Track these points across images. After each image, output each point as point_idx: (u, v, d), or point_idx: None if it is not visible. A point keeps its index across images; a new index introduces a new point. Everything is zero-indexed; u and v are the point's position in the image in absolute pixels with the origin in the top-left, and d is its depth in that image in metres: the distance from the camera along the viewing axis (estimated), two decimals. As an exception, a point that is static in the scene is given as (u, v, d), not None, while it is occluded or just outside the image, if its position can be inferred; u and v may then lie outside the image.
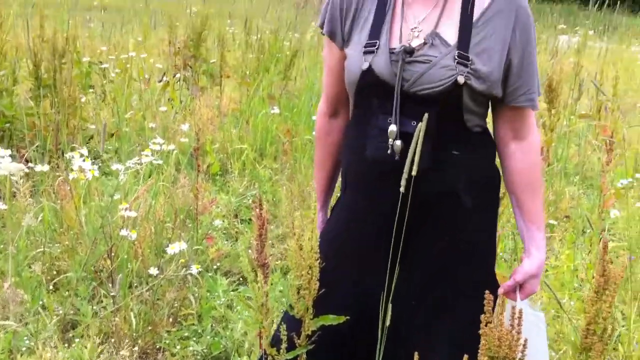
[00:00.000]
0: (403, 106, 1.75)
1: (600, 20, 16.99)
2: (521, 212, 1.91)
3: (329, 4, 1.91)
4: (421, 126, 1.63)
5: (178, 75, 6.24)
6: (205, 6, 10.58)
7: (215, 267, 3.73)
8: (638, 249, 3.85)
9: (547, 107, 5.33)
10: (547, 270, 3.54)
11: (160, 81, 6.19)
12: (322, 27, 1.95)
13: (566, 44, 11.96)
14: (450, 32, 1.77)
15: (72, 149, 3.63)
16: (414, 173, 1.66)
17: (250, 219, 4.44)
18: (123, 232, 3.03)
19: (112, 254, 3.10)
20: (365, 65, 1.79)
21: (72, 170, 3.10)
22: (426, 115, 1.66)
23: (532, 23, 1.81)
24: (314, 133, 5.13)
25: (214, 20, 8.63)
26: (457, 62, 1.73)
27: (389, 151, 1.76)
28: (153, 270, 3.07)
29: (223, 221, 4.23)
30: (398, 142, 1.75)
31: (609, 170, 4.03)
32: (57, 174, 3.75)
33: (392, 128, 1.75)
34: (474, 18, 1.77)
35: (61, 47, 4.62)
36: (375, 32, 1.81)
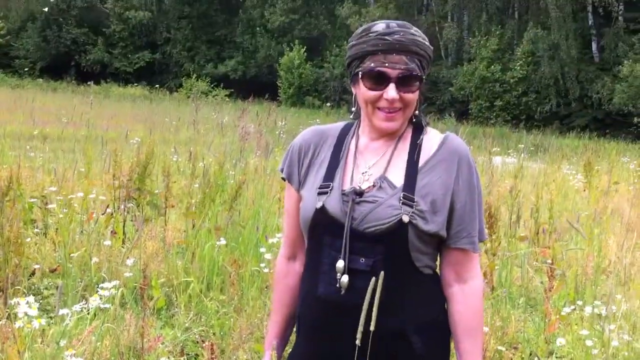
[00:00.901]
0: (352, 244, 1.84)
1: (531, 141, 17.78)
2: (459, 353, 1.95)
3: (290, 150, 2.06)
4: (374, 282, 1.67)
5: (122, 207, 6.22)
6: (149, 135, 10.71)
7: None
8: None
9: (487, 232, 5.48)
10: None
11: (103, 213, 6.15)
12: (282, 170, 2.08)
13: (500, 165, 12.44)
14: (397, 176, 1.90)
15: (14, 292, 3.54)
16: (372, 328, 1.69)
17: (197, 355, 4.35)
18: (67, 379, 2.93)
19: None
20: (319, 204, 1.90)
21: (16, 316, 3.01)
22: (382, 273, 1.74)
23: (474, 172, 1.93)
24: (261, 265, 5.14)
25: (158, 148, 8.74)
26: (402, 203, 1.84)
27: (337, 285, 1.83)
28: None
29: (169, 359, 4.12)
30: (345, 278, 1.83)
31: (551, 295, 4.13)
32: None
33: (340, 264, 1.84)
34: (419, 165, 1.90)
35: (4, 186, 4.58)
36: (329, 176, 1.94)
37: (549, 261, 4.19)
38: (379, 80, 1.87)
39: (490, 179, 8.87)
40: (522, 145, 16.14)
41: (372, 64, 1.87)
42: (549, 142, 19.06)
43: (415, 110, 1.95)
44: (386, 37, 1.86)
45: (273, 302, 2.17)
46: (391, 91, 1.86)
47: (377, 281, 1.73)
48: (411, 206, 1.83)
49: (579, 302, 4.42)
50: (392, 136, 1.96)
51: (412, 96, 1.89)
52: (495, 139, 16.49)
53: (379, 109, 1.89)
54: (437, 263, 1.99)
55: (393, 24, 1.90)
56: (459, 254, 1.93)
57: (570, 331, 4.21)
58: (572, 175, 11.75)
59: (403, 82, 1.87)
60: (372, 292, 1.74)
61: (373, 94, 1.88)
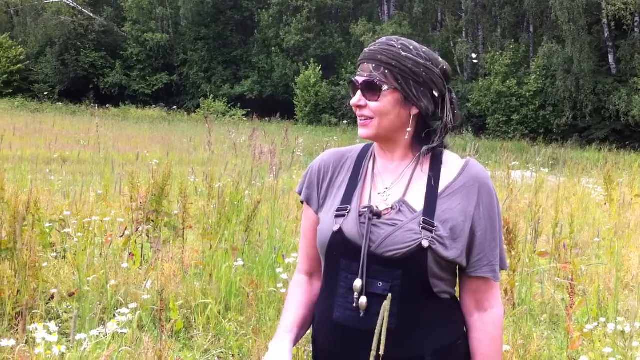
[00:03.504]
0: (370, 267, 1.81)
1: (549, 155, 17.66)
2: None
3: (308, 172, 2.05)
4: (386, 305, 1.64)
5: (140, 229, 6.23)
6: (166, 156, 10.77)
7: None
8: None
9: (506, 248, 5.42)
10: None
11: (121, 236, 6.16)
12: (300, 193, 2.06)
13: (520, 179, 12.35)
14: (416, 200, 1.87)
15: (32, 316, 3.54)
16: (381, 352, 1.65)
17: (216, 378, 4.33)
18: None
19: None
20: (336, 227, 1.88)
21: (34, 340, 3.00)
22: (389, 296, 1.70)
23: (495, 199, 1.90)
24: (279, 285, 5.11)
25: (175, 169, 8.77)
26: (422, 227, 1.81)
27: (354, 305, 1.81)
28: None
29: (188, 382, 4.10)
30: (363, 299, 1.80)
31: (573, 311, 4.07)
32: (18, 341, 3.62)
33: (357, 283, 1.81)
34: (440, 190, 1.88)
35: (22, 210, 4.61)
36: (347, 198, 1.93)
37: (570, 277, 4.12)
38: (353, 89, 1.94)
39: (509, 194, 8.81)
40: (541, 159, 16.04)
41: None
42: (568, 155, 18.95)
43: (421, 128, 1.92)
44: (365, 49, 1.94)
45: (285, 306, 2.06)
46: (355, 97, 1.92)
47: (388, 304, 1.68)
48: (431, 231, 1.81)
49: (602, 319, 4.35)
50: (407, 157, 1.94)
51: (378, 104, 1.89)
52: (513, 153, 16.42)
53: (357, 116, 1.95)
54: (457, 288, 1.96)
55: (383, 38, 1.95)
56: (480, 282, 1.90)
57: (593, 348, 4.14)
58: (592, 188, 11.63)
59: (366, 89, 1.90)
60: (383, 315, 1.70)
61: (351, 102, 1.95)
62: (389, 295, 1.71)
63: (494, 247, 1.89)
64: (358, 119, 1.94)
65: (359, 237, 1.84)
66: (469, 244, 1.86)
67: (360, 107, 1.91)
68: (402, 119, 1.91)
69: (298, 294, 2.04)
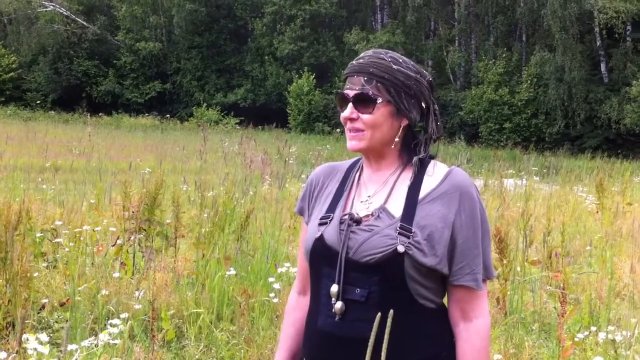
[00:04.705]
0: (348, 274, 1.83)
1: (542, 163, 17.72)
2: None
3: (304, 186, 2.11)
4: (378, 319, 1.62)
5: (132, 238, 6.21)
6: (159, 165, 10.74)
7: None
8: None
9: (498, 257, 5.44)
10: None
11: (113, 245, 6.15)
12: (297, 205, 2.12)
13: (512, 187, 12.38)
14: (397, 207, 1.89)
15: (25, 325, 3.52)
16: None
17: (208, 387, 4.31)
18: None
19: None
20: (318, 234, 1.90)
21: (25, 351, 2.99)
22: (391, 312, 1.62)
23: (478, 207, 1.89)
24: (271, 295, 5.11)
25: (168, 178, 8.76)
26: (399, 233, 1.82)
27: (333, 310, 1.83)
28: None
29: (180, 392, 4.09)
30: (339, 304, 1.82)
31: (565, 320, 4.08)
32: (10, 352, 3.61)
33: (333, 289, 1.83)
34: (420, 196, 1.89)
35: (14, 219, 4.59)
36: (332, 207, 1.96)
37: (562, 285, 4.13)
38: (342, 102, 1.94)
39: (502, 203, 8.83)
40: (534, 168, 16.08)
41: (341, 89, 1.96)
42: (560, 163, 19.00)
43: (411, 139, 1.95)
44: (353, 62, 1.95)
45: (280, 336, 2.16)
46: (346, 110, 1.92)
47: (381, 317, 1.66)
48: (408, 237, 1.81)
49: (593, 328, 4.36)
50: (392, 166, 1.96)
51: (370, 117, 1.90)
52: (506, 162, 16.45)
53: (347, 129, 1.95)
54: (445, 298, 1.96)
55: (370, 51, 1.97)
56: (463, 291, 1.90)
57: (585, 357, 4.14)
58: (584, 197, 11.67)
59: (359, 102, 1.90)
60: (371, 327, 1.70)
61: (341, 115, 1.94)
62: (391, 312, 1.62)
63: (476, 254, 1.88)
64: (347, 131, 1.94)
65: (338, 244, 1.87)
66: (450, 252, 1.86)
67: (352, 120, 1.91)
68: (393, 130, 1.92)
69: (289, 325, 2.11)
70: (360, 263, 1.82)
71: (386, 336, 1.51)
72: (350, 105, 1.91)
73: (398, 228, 1.82)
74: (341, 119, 1.95)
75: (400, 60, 1.92)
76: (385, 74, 1.89)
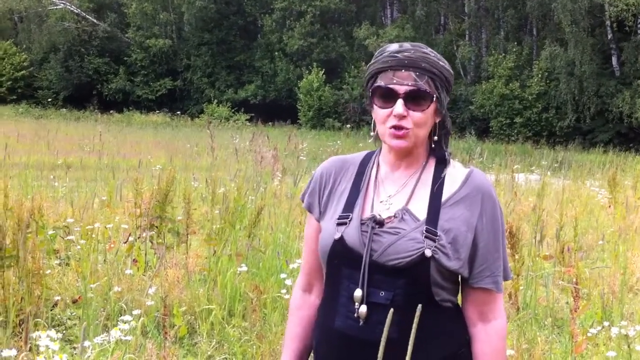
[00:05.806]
0: (371, 276, 1.80)
1: (553, 158, 17.63)
2: None
3: (311, 179, 2.03)
4: (391, 315, 1.61)
5: (144, 235, 6.23)
6: (169, 162, 10.78)
7: None
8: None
9: (510, 252, 5.41)
10: None
11: (125, 242, 6.17)
12: (303, 200, 2.05)
13: (523, 182, 12.33)
14: (419, 209, 1.85)
15: (36, 323, 3.54)
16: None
17: (220, 384, 4.32)
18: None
19: None
20: (338, 235, 1.86)
21: (37, 348, 3.01)
22: (419, 307, 1.64)
23: (498, 210, 1.88)
24: (282, 291, 5.11)
25: (179, 174, 8.77)
26: (425, 236, 1.79)
27: (355, 315, 1.79)
28: None
29: (192, 389, 4.10)
30: (363, 308, 1.78)
31: (578, 315, 4.06)
32: (22, 349, 3.63)
33: (357, 293, 1.79)
34: (443, 199, 1.85)
35: (26, 217, 4.61)
36: (349, 206, 1.90)
37: (574, 280, 4.11)
38: (387, 97, 1.83)
39: (513, 197, 8.79)
40: (545, 162, 16.00)
41: (382, 82, 1.84)
42: (572, 157, 18.90)
43: (434, 135, 1.91)
44: (396, 55, 1.84)
45: (285, 335, 2.11)
46: (398, 107, 1.81)
47: (394, 315, 1.64)
48: (434, 240, 1.79)
49: (606, 323, 4.33)
50: (413, 166, 1.92)
51: (422, 115, 1.83)
52: (517, 156, 16.38)
53: (390, 127, 1.85)
54: (459, 296, 1.95)
55: (407, 44, 1.87)
56: (482, 293, 1.89)
57: (597, 352, 4.12)
58: (597, 191, 11.60)
59: (411, 99, 1.82)
60: (395, 329, 1.69)
61: (383, 111, 1.85)
62: (419, 307, 1.64)
63: (497, 258, 1.87)
64: (391, 129, 1.84)
65: (361, 246, 1.82)
66: (472, 255, 1.84)
67: (402, 117, 1.83)
68: (430, 128, 1.89)
69: (295, 324, 2.06)
70: (387, 266, 1.79)
71: (412, 337, 1.51)
72: (400, 101, 1.82)
73: (424, 232, 1.80)
74: (379, 116, 1.86)
75: (440, 56, 1.88)
76: (435, 69, 1.83)
